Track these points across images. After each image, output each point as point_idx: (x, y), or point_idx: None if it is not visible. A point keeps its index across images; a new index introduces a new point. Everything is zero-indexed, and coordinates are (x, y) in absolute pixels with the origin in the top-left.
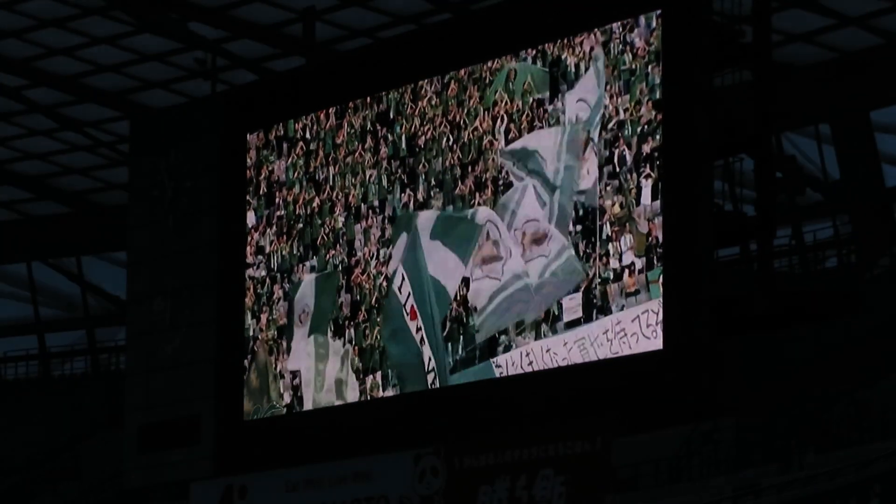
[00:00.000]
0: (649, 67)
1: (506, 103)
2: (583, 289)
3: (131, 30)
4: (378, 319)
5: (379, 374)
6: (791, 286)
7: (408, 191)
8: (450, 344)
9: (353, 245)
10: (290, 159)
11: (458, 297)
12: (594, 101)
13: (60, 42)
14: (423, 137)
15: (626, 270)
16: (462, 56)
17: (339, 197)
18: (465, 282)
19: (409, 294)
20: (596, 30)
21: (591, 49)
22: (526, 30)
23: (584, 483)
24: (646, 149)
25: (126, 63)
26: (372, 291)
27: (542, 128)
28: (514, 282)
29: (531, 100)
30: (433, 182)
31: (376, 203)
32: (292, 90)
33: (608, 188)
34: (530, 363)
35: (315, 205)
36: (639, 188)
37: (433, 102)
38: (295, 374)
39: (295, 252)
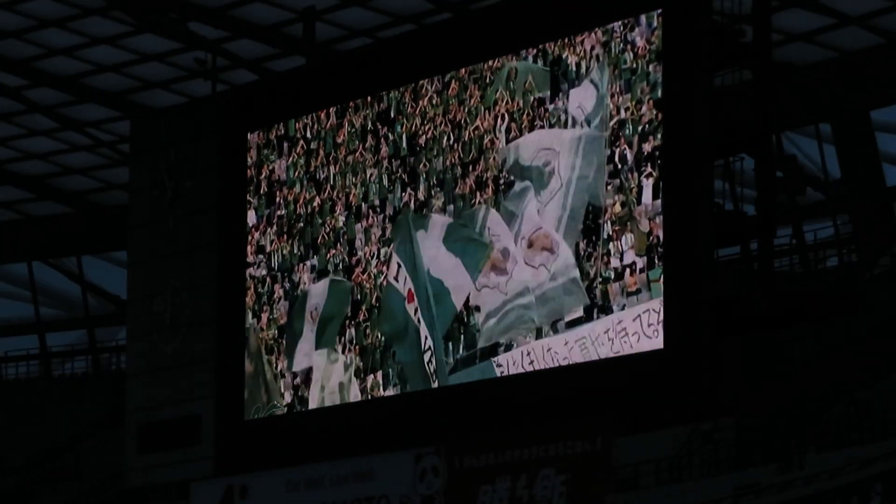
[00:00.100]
0: (650, 66)
1: (507, 102)
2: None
3: (131, 30)
4: (379, 319)
5: (379, 374)
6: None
7: (408, 190)
8: (450, 343)
9: (354, 244)
10: (290, 158)
11: (464, 310)
12: (595, 101)
13: (60, 42)
14: (424, 137)
15: (628, 270)
16: (463, 55)
17: (340, 196)
18: (472, 295)
19: (406, 278)
20: (597, 29)
21: (592, 48)
22: (527, 29)
23: (584, 483)
24: (647, 148)
25: (126, 63)
26: (372, 291)
27: (543, 127)
28: (517, 299)
29: (532, 99)
30: (434, 181)
31: (377, 202)
32: (292, 90)
33: (609, 187)
34: (531, 362)
35: (316, 204)
36: (640, 187)
37: (434, 101)
38: (296, 374)
39: (295, 251)
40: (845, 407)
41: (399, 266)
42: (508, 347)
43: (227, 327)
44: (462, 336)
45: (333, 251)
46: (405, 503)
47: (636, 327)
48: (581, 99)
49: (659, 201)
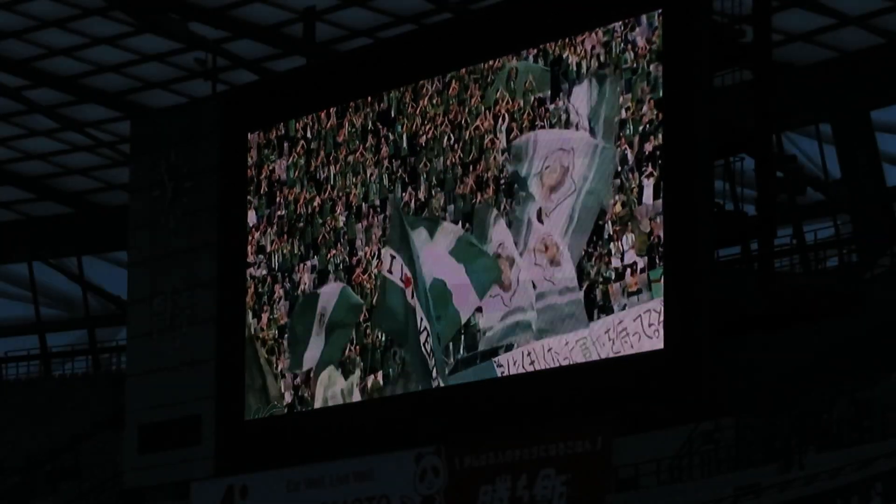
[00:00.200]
0: (651, 66)
1: (507, 102)
2: (584, 288)
3: (131, 30)
4: (379, 318)
5: (380, 374)
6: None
7: (409, 190)
8: (451, 344)
9: (354, 244)
10: (290, 158)
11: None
12: (595, 100)
13: (61, 42)
14: (425, 136)
15: (628, 270)
16: (463, 55)
17: (340, 196)
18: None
19: (402, 266)
20: (597, 29)
21: (593, 48)
22: (527, 29)
23: (584, 483)
24: (647, 148)
25: (126, 63)
26: (373, 291)
27: (543, 127)
28: (519, 313)
29: (532, 98)
30: (434, 181)
31: (377, 202)
32: (292, 90)
33: (610, 187)
34: (532, 362)
35: (316, 204)
36: (640, 187)
37: (434, 101)
38: (296, 374)
39: (296, 251)
40: (845, 407)
41: (392, 258)
42: (509, 348)
43: (227, 327)
44: (463, 337)
45: (334, 251)
46: (405, 503)
47: (637, 327)
48: (581, 99)
49: (660, 201)
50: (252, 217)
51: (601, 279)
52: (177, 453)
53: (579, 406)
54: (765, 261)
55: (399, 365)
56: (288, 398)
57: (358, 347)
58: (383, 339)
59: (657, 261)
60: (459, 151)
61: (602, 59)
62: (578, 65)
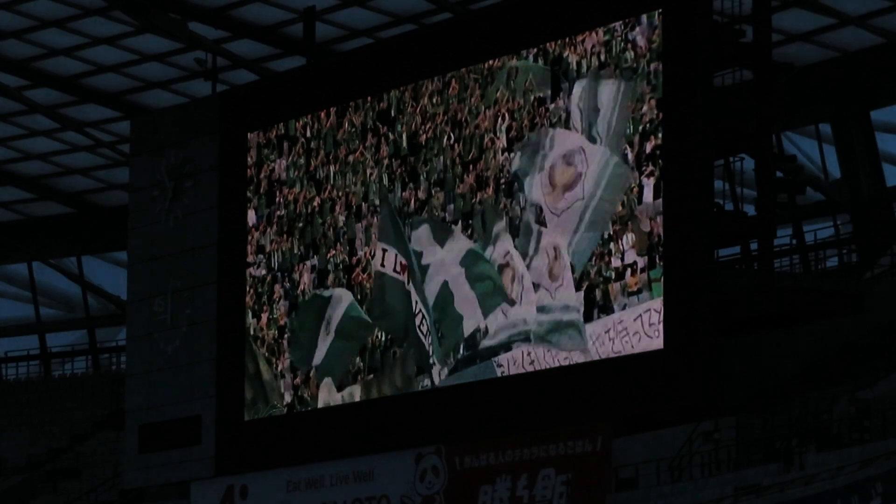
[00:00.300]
0: (651, 66)
1: (507, 101)
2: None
3: (131, 30)
4: (379, 318)
5: (380, 374)
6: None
7: (409, 189)
8: (451, 344)
9: (354, 244)
10: (290, 158)
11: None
12: (595, 100)
13: (61, 42)
14: (424, 136)
15: (629, 269)
16: (463, 55)
17: (340, 195)
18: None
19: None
20: (598, 28)
21: (593, 47)
22: (527, 28)
23: (584, 483)
24: (648, 147)
25: (126, 63)
26: (373, 290)
27: (543, 126)
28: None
29: (532, 98)
30: (434, 180)
31: (377, 202)
32: (292, 90)
33: (619, 197)
34: (532, 362)
35: (316, 203)
36: (640, 186)
37: (434, 100)
38: (296, 374)
39: (296, 251)
40: (845, 407)
41: (384, 251)
42: (509, 348)
43: (227, 327)
44: (463, 338)
45: (333, 251)
46: (405, 503)
47: (637, 327)
48: (582, 98)
49: (660, 201)
50: (252, 217)
51: (601, 278)
52: (177, 453)
53: (579, 406)
54: (765, 261)
55: (399, 364)
56: (288, 398)
57: (361, 364)
58: (384, 338)
59: (657, 260)
60: (459, 150)
61: (602, 58)
62: (578, 64)
